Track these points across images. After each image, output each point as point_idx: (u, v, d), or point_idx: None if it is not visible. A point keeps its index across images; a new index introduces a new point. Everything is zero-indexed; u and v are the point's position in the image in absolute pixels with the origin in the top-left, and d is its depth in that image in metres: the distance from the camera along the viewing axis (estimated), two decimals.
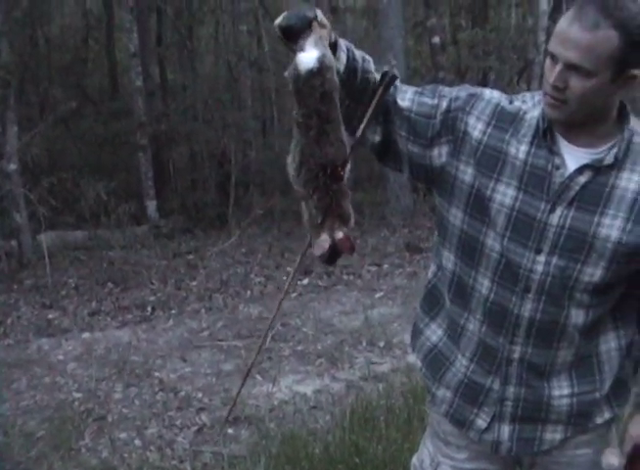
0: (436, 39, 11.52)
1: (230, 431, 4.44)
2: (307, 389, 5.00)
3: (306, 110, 1.58)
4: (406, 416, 4.11)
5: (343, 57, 1.72)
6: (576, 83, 1.62)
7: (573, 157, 1.73)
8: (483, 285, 1.84)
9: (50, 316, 7.16)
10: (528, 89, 11.07)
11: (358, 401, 4.39)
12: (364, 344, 5.82)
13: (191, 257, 9.22)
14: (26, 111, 13.11)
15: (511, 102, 1.84)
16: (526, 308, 1.79)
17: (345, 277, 7.79)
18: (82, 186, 10.00)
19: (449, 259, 1.92)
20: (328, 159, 1.60)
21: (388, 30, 10.33)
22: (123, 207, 9.76)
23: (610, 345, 1.88)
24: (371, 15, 13.79)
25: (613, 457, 1.88)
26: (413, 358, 5.37)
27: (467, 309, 1.90)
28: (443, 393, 2.00)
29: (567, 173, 1.73)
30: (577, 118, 1.70)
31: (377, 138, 1.88)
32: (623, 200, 1.71)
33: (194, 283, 7.99)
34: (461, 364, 1.95)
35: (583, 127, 1.73)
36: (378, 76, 1.81)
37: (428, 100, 1.85)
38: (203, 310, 7.01)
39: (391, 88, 1.82)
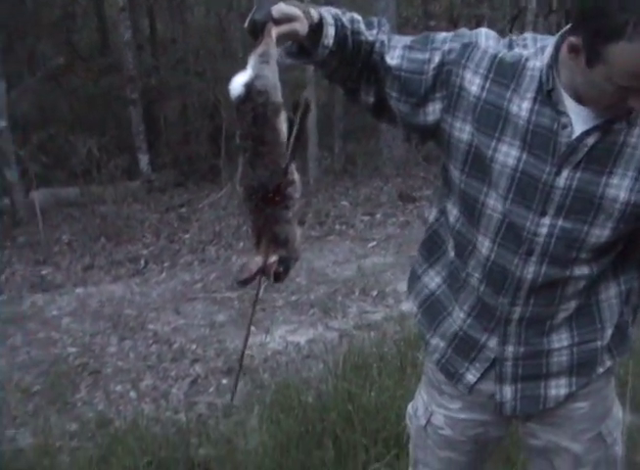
0: None
1: (224, 381, 4.47)
2: (301, 338, 5.03)
3: (242, 131, 1.56)
4: (399, 364, 4.13)
5: (331, 31, 1.63)
6: None
7: (581, 117, 1.62)
8: (484, 245, 1.77)
9: (43, 272, 7.18)
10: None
11: (351, 350, 4.41)
12: (357, 293, 5.84)
13: (183, 210, 9.22)
14: (15, 67, 12.97)
15: (510, 47, 1.70)
16: (529, 271, 1.73)
17: (338, 227, 7.80)
18: (73, 142, 9.94)
19: (452, 212, 1.85)
20: (260, 182, 1.56)
21: None
22: (115, 162, 9.72)
23: (610, 292, 1.84)
24: None
25: None
26: (407, 306, 5.42)
27: (467, 266, 1.84)
28: (437, 342, 1.96)
29: (574, 134, 1.62)
30: None
31: (370, 99, 1.79)
32: (632, 158, 1.62)
33: (187, 236, 7.99)
34: (458, 316, 1.90)
35: None
36: (370, 33, 1.72)
37: (418, 55, 1.73)
38: (196, 263, 7.03)
39: (381, 44, 1.73)
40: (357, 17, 1.72)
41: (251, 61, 1.53)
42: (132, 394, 4.40)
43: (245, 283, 1.64)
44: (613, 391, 2.00)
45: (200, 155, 11.70)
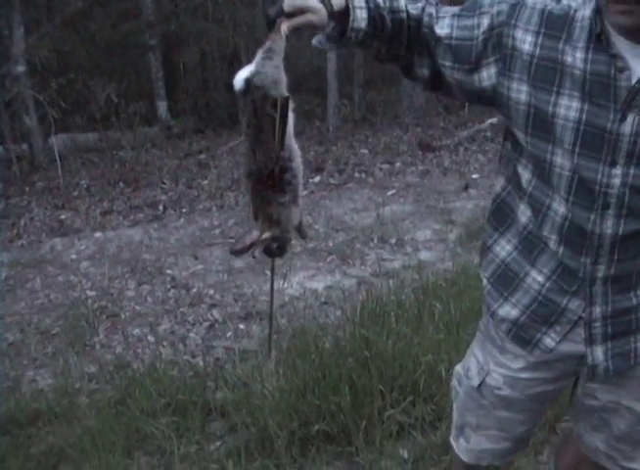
0: None
1: (241, 326, 4.48)
2: (318, 285, 5.03)
3: (246, 118, 1.69)
4: (416, 312, 4.11)
5: (361, 14, 1.64)
6: None
7: (639, 58, 1.57)
8: (560, 205, 1.72)
9: (62, 217, 7.20)
10: None
11: (369, 297, 4.40)
12: (375, 241, 5.83)
13: (202, 156, 9.20)
14: (33, 13, 12.90)
15: (558, 2, 1.67)
16: (607, 225, 1.67)
17: (357, 175, 7.76)
18: (92, 88, 9.91)
19: (523, 176, 1.80)
20: (257, 167, 1.70)
21: None
22: (134, 107, 9.69)
23: None
24: None
25: None
26: (425, 255, 5.41)
27: (543, 229, 1.78)
28: (508, 310, 1.90)
29: (634, 77, 1.56)
30: None
31: (425, 72, 1.79)
32: None
33: (205, 182, 7.98)
34: (534, 281, 1.84)
35: None
36: (415, 7, 1.73)
37: (467, 21, 1.72)
38: (214, 209, 7.02)
39: (429, 17, 1.74)
40: None
41: (257, 56, 1.66)
42: (150, 337, 4.42)
43: (237, 254, 1.81)
44: None
45: (218, 102, 11.64)
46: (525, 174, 1.79)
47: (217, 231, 6.28)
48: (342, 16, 1.63)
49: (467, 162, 8.42)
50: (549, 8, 1.65)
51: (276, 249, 1.81)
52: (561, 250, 1.76)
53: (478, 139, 9.43)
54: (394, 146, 8.95)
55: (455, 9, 1.76)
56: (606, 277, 1.74)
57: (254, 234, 1.77)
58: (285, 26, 1.62)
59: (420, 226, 6.18)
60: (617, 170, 1.62)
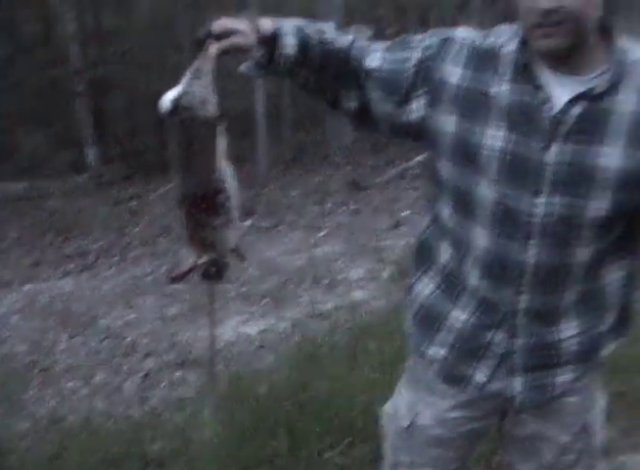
0: None
1: (177, 374, 4.46)
2: (253, 329, 5.03)
3: (176, 141, 1.65)
4: (351, 352, 4.15)
5: (290, 41, 1.64)
6: None
7: (562, 88, 1.62)
8: (482, 237, 1.74)
9: None
10: (467, 24, 11.03)
11: (303, 340, 4.43)
12: (308, 282, 5.86)
13: (133, 203, 9.16)
14: None
15: (485, 39, 1.72)
16: (530, 255, 1.69)
17: (289, 217, 7.80)
18: (19, 136, 9.81)
19: (444, 212, 1.82)
20: (190, 189, 1.66)
21: None
22: (62, 155, 9.62)
23: (613, 275, 1.81)
24: None
25: None
26: (358, 294, 5.44)
27: (465, 264, 1.80)
28: (436, 350, 1.91)
29: (557, 107, 1.61)
30: (575, 40, 1.57)
31: (353, 105, 1.80)
32: (621, 125, 1.60)
33: (136, 229, 7.94)
34: (457, 319, 1.85)
35: (570, 52, 1.60)
36: (346, 40, 1.75)
37: (398, 55, 1.75)
38: (146, 256, 6.98)
39: (359, 50, 1.76)
40: (328, 26, 1.74)
41: (184, 77, 1.62)
42: (84, 390, 4.36)
43: (175, 280, 1.76)
44: (600, 379, 1.99)
45: (148, 147, 11.61)
46: (448, 210, 1.81)
47: (150, 279, 6.25)
48: (271, 42, 1.63)
49: (397, 199, 8.52)
50: (477, 43, 1.71)
51: (214, 273, 1.77)
52: (483, 284, 1.78)
53: (407, 176, 9.56)
54: (325, 186, 9.03)
55: (385, 43, 1.79)
56: (528, 309, 1.76)
57: (191, 260, 1.74)
58: (213, 48, 1.61)
59: (352, 266, 6.23)
60: (541, 199, 1.64)
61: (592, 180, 1.61)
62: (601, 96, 1.59)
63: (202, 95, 1.62)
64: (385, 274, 5.89)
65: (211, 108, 1.63)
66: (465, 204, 1.75)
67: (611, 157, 1.60)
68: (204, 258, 1.73)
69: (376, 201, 8.36)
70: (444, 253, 1.87)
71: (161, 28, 13.37)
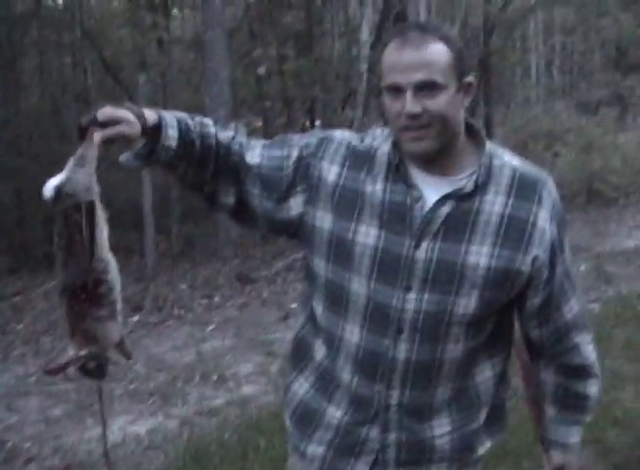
0: (262, 69, 11.68)
1: None
2: (141, 429, 4.92)
3: (57, 229, 1.59)
4: (241, 450, 4.13)
5: (172, 132, 1.65)
6: (432, 103, 1.62)
7: (432, 188, 1.70)
8: (354, 333, 1.77)
9: None
10: (354, 117, 11.36)
11: (192, 439, 4.37)
12: (197, 378, 5.79)
13: (17, 298, 8.91)
14: None
15: (362, 140, 1.81)
16: (401, 350, 1.73)
17: (177, 311, 7.74)
18: None
19: (317, 310, 1.86)
20: (70, 280, 1.60)
21: (214, 62, 10.36)
22: None
23: (485, 374, 1.86)
24: (198, 46, 13.79)
25: None
26: (248, 390, 5.41)
27: (338, 361, 1.83)
28: (314, 449, 1.92)
29: (427, 206, 1.70)
30: (443, 142, 1.67)
31: (231, 200, 1.82)
32: (489, 224, 1.69)
33: (20, 326, 7.72)
34: (333, 417, 1.87)
35: (440, 154, 1.70)
36: (226, 135, 1.77)
37: (277, 152, 1.80)
38: (29, 355, 6.78)
39: (239, 145, 1.79)
40: (208, 121, 1.76)
41: (68, 164, 1.57)
42: None
43: (51, 373, 1.68)
44: None
45: (34, 240, 11.38)
46: (321, 307, 1.85)
47: (33, 379, 6.05)
48: (153, 133, 1.63)
49: (285, 291, 8.57)
50: (354, 143, 1.79)
51: (95, 368, 1.68)
52: (355, 379, 1.81)
53: (295, 268, 9.63)
54: (213, 279, 9.02)
55: (265, 141, 1.85)
56: (400, 404, 1.79)
57: (70, 352, 1.65)
58: (97, 136, 1.57)
59: (241, 360, 6.21)
60: (412, 295, 1.71)
61: (460, 278, 1.69)
62: (469, 196, 1.69)
63: (86, 182, 1.58)
64: (274, 368, 5.89)
65: (95, 195, 1.60)
66: (338, 300, 1.79)
67: (478, 255, 1.69)
68: (83, 352, 1.65)
69: (264, 293, 8.41)
70: (319, 350, 1.90)
71: (49, 120, 13.30)
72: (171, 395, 5.48)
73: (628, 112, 21.46)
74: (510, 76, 19.51)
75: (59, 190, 1.56)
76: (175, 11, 16.34)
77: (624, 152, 14.87)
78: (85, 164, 1.58)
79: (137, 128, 1.59)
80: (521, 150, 15.47)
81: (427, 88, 1.61)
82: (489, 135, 14.52)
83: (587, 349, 1.90)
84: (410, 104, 1.61)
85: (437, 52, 1.62)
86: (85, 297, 1.61)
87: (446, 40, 1.64)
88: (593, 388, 1.94)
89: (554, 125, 16.40)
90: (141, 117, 1.60)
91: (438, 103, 1.62)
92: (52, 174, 1.58)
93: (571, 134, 15.62)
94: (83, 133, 1.58)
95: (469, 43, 14.49)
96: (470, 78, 1.70)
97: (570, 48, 28.24)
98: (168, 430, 4.82)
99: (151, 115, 1.63)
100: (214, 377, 5.79)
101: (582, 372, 1.92)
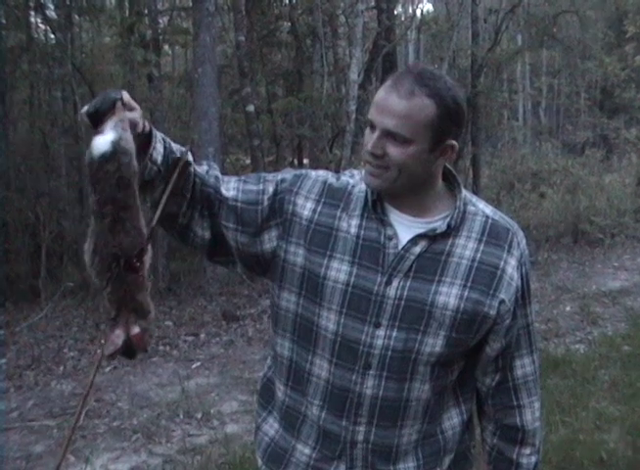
0: (251, 107, 11.73)
1: None
2: (124, 467, 4.88)
3: (101, 196, 1.48)
4: None
5: (160, 147, 1.67)
6: (394, 150, 1.65)
7: (406, 227, 1.74)
8: (322, 368, 1.79)
9: None
10: (341, 156, 11.39)
11: None
12: (181, 416, 5.75)
13: (0, 332, 8.84)
14: None
15: (338, 178, 1.84)
16: (368, 386, 1.74)
17: (162, 348, 7.69)
18: None
19: (284, 347, 1.87)
20: (122, 248, 1.50)
21: (203, 99, 10.40)
22: None
23: (453, 421, 1.88)
24: (188, 83, 13.85)
25: None
26: (231, 428, 5.37)
27: (306, 396, 1.84)
28: None
29: (400, 244, 1.72)
30: (400, 186, 1.70)
31: (206, 234, 1.82)
32: (459, 267, 1.72)
33: (2, 361, 7.65)
34: (302, 454, 1.88)
35: (411, 196, 1.74)
36: (201, 169, 1.78)
37: (253, 186, 1.82)
38: (12, 389, 6.71)
39: (215, 178, 1.80)
40: (184, 149, 1.76)
41: (110, 124, 1.50)
42: None
43: (112, 357, 1.58)
44: None
45: (19, 274, 11.32)
46: (287, 344, 1.86)
47: (15, 414, 5.99)
48: (144, 142, 1.63)
49: (270, 329, 8.51)
50: (330, 180, 1.83)
51: (147, 343, 1.60)
52: (323, 415, 1.82)
53: None
54: (199, 317, 8.98)
55: (240, 176, 1.87)
56: (366, 441, 1.80)
57: (119, 332, 1.55)
58: (126, 112, 1.53)
59: (226, 398, 6.17)
60: (381, 332, 1.73)
61: (429, 317, 1.71)
62: (442, 237, 1.73)
63: (132, 146, 1.52)
64: None
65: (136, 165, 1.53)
66: (307, 335, 1.81)
67: (447, 296, 1.71)
68: (135, 329, 1.57)
69: (250, 331, 8.37)
70: (284, 387, 1.91)
71: (37, 153, 13.29)
72: (155, 432, 5.44)
73: (613, 153, 21.66)
74: (497, 117, 19.65)
75: (115, 145, 1.47)
76: (166, 47, 16.41)
77: (610, 193, 14.98)
78: (127, 128, 1.52)
79: (143, 123, 1.61)
80: (507, 190, 15.60)
81: (392, 136, 1.65)
82: (476, 176, 14.66)
83: (529, 414, 1.90)
84: (373, 144, 1.67)
85: (419, 108, 1.64)
86: (140, 265, 1.53)
87: (439, 98, 1.65)
88: (526, 459, 1.93)
89: (540, 166, 16.52)
90: (143, 119, 1.63)
91: (400, 153, 1.66)
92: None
93: (557, 175, 15.73)
94: (97, 111, 1.53)
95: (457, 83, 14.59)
96: (451, 142, 1.71)
97: (556, 90, 28.53)
98: (151, 468, 4.77)
99: (147, 123, 1.65)
100: (199, 415, 5.75)
101: (517, 436, 1.92)
